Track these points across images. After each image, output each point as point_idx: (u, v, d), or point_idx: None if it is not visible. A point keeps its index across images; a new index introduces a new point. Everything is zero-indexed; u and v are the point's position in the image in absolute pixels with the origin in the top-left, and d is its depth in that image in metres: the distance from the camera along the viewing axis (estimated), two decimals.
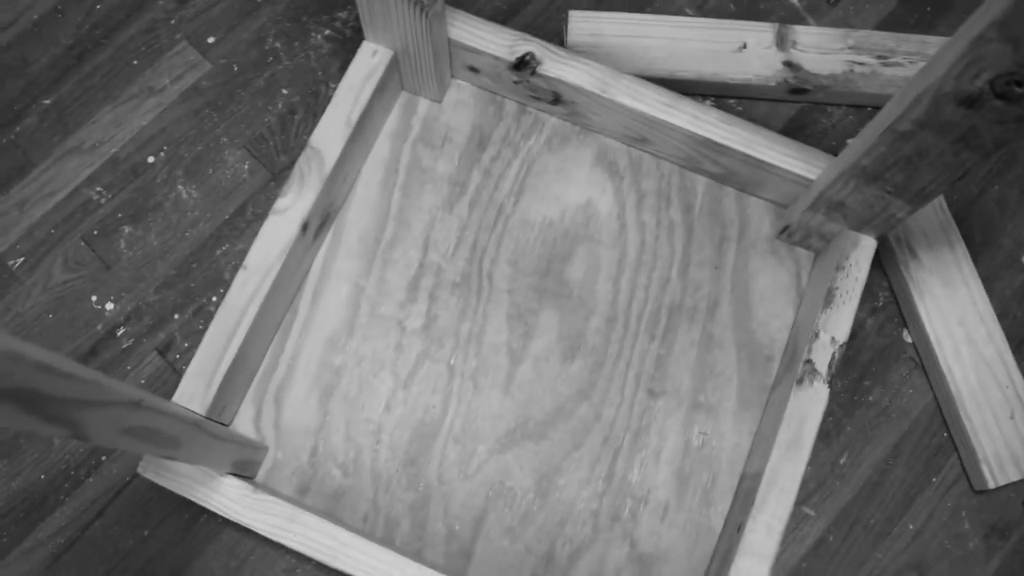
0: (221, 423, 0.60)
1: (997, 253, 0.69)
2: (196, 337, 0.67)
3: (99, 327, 0.67)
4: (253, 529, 0.54)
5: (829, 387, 0.58)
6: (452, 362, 0.64)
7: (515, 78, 0.66)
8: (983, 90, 0.43)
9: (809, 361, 0.59)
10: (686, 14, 0.76)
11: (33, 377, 0.28)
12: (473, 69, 0.68)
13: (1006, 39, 0.39)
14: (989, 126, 0.46)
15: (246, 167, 0.71)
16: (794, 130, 0.72)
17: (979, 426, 0.63)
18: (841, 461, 0.65)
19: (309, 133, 0.65)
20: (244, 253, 0.58)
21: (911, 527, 0.63)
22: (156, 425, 0.41)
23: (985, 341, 0.65)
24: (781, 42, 0.72)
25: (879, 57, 0.72)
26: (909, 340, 0.68)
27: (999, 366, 0.65)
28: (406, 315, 0.65)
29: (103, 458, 0.64)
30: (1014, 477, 0.63)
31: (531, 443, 0.63)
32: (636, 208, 0.68)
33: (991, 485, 0.63)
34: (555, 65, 0.64)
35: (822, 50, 0.72)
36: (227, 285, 0.63)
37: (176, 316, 0.67)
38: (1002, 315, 0.67)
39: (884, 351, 0.67)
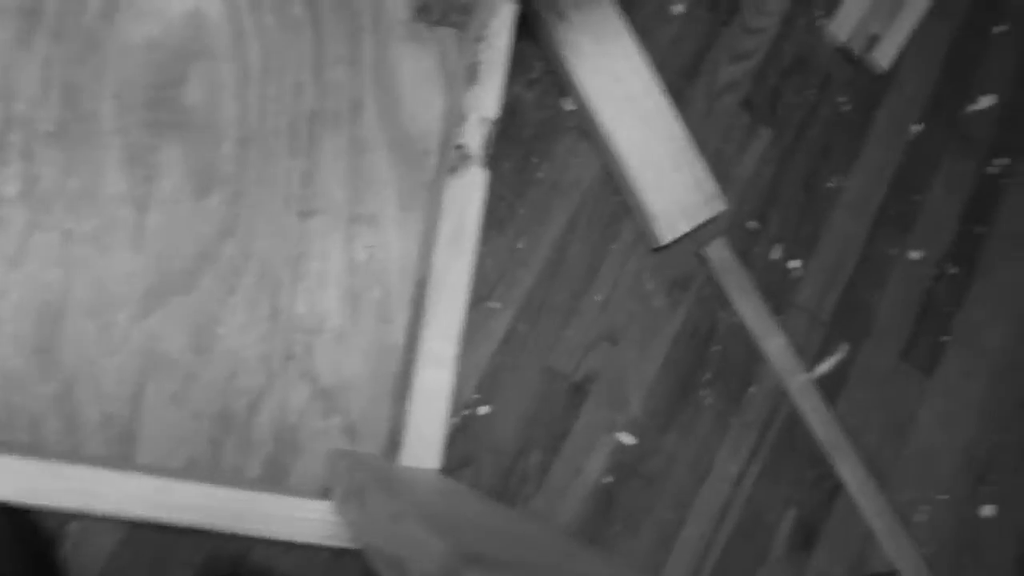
0: None
1: (649, 3, 0.66)
2: None
3: None
4: None
5: (486, 169, 0.54)
6: (66, 227, 0.54)
7: None
8: None
9: (461, 146, 0.54)
10: None
11: None
12: None
13: None
14: None
15: None
16: None
17: (646, 184, 0.62)
18: (519, 246, 0.62)
19: None
20: None
21: (597, 298, 0.63)
22: None
23: (643, 96, 0.63)
24: None
25: None
26: (570, 108, 0.64)
27: (660, 120, 0.63)
28: None
29: None
30: (685, 229, 0.62)
31: (178, 297, 0.55)
32: (252, 10, 0.58)
33: (666, 241, 0.62)
34: None
35: None
36: None
37: None
38: (660, 67, 0.65)
39: (546, 124, 0.63)
